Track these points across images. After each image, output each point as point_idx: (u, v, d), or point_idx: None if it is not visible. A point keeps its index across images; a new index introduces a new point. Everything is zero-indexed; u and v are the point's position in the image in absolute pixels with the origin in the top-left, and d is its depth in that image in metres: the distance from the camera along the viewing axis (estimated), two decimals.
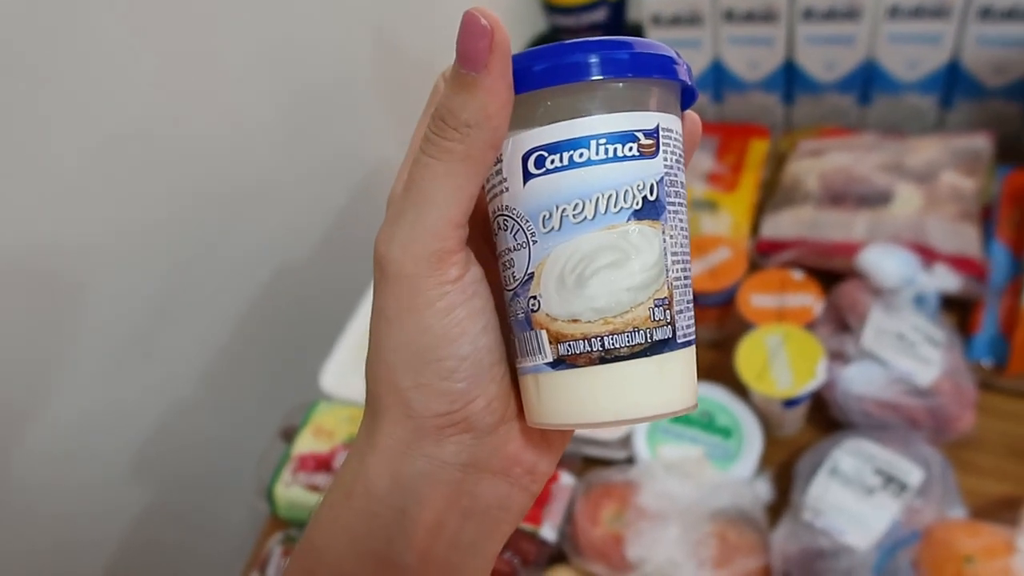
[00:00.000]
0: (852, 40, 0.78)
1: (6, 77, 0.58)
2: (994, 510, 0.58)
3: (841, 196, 0.73)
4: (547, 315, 0.24)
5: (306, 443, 0.66)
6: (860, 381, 0.60)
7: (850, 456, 0.57)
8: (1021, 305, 0.62)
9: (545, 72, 0.23)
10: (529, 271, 0.24)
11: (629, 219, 0.24)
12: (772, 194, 0.80)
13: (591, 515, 0.59)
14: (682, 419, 0.64)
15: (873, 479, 0.55)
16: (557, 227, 0.24)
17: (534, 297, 0.24)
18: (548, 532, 0.59)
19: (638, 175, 0.24)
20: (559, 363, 0.24)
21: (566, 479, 0.62)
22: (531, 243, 0.24)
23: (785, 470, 0.64)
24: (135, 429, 0.75)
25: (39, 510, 0.67)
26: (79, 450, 0.69)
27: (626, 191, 0.24)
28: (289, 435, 0.69)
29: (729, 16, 0.81)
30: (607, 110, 0.24)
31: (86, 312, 0.68)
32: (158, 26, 0.69)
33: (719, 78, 0.88)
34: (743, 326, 0.65)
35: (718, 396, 0.64)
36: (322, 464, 0.65)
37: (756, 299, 0.66)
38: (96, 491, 0.72)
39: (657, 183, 0.24)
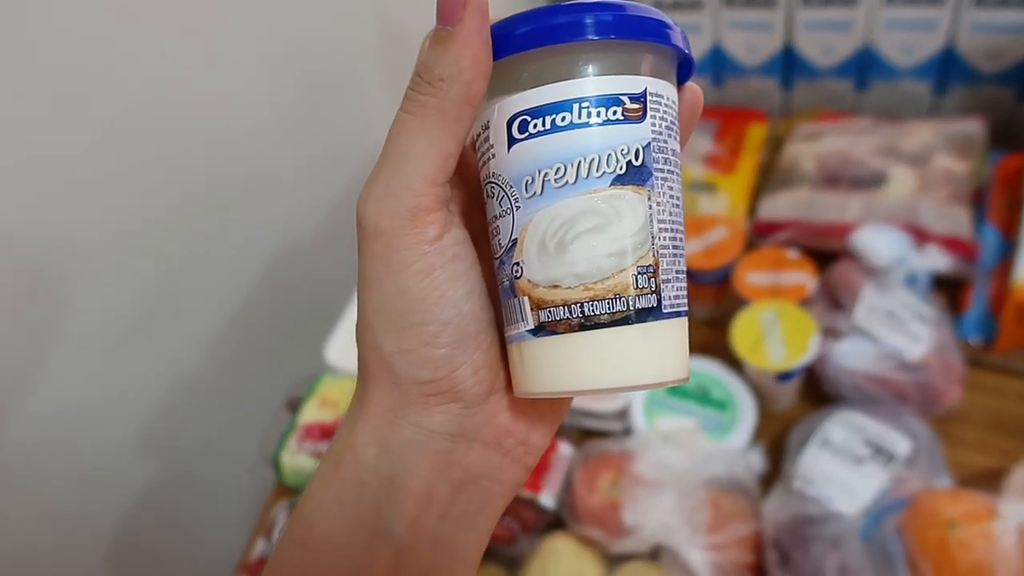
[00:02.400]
0: (850, 25, 0.80)
1: (4, 68, 0.58)
2: (978, 480, 0.60)
3: (836, 178, 0.75)
4: (529, 281, 0.24)
5: (312, 413, 0.68)
6: (851, 356, 0.62)
7: (840, 428, 0.59)
8: (1010, 285, 0.63)
9: (527, 35, 0.23)
10: (513, 237, 0.24)
11: (612, 184, 0.23)
12: (769, 176, 0.82)
13: (588, 483, 0.61)
14: (677, 392, 0.66)
15: (862, 449, 0.57)
16: (539, 192, 0.23)
17: (517, 264, 0.24)
18: (547, 499, 0.61)
19: (623, 139, 0.23)
20: (540, 330, 0.24)
21: (564, 449, 0.64)
22: (515, 209, 0.24)
23: (778, 443, 0.66)
24: (144, 401, 0.77)
25: (50, 475, 0.69)
26: (89, 418, 0.71)
27: (609, 155, 0.23)
28: (295, 406, 0.71)
29: (729, 1, 0.83)
30: (591, 73, 0.23)
31: (94, 290, 0.69)
32: (158, 15, 0.70)
33: (719, 62, 0.89)
34: (738, 304, 0.67)
35: (713, 371, 0.66)
36: (327, 433, 0.66)
37: (751, 276, 0.67)
38: (106, 458, 0.73)
39: (643, 148, 0.24)
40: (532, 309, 0.24)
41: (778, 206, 0.76)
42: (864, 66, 0.83)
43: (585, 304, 0.23)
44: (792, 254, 0.68)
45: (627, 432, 0.66)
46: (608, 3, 0.23)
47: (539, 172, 0.23)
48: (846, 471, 0.56)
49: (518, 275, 0.24)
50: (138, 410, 0.76)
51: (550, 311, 0.24)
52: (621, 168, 0.23)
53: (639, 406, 0.65)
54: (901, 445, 0.57)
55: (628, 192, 0.23)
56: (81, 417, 0.70)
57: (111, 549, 0.77)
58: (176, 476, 0.81)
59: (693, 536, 0.56)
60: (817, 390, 0.66)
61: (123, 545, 0.78)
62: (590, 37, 0.23)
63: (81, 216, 0.67)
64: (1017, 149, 0.79)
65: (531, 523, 0.61)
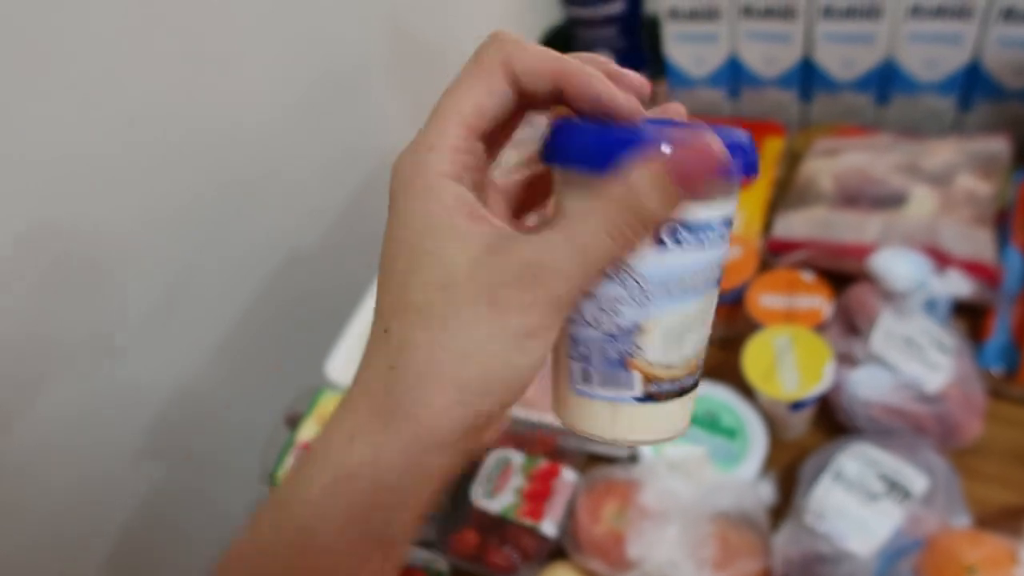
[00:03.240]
0: (871, 39, 0.77)
1: (31, 64, 0.58)
2: (998, 519, 0.58)
3: (855, 197, 0.72)
4: (647, 361, 0.28)
5: (310, 431, 0.67)
6: (867, 385, 0.60)
7: (854, 461, 0.57)
8: None
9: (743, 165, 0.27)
10: (637, 323, 0.27)
11: (713, 287, 0.28)
12: (785, 193, 0.79)
13: (592, 512, 0.59)
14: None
15: (877, 485, 0.55)
16: (673, 293, 0.27)
17: (637, 346, 0.28)
18: (548, 528, 0.59)
19: (724, 252, 0.28)
20: (647, 399, 0.28)
21: (568, 475, 0.62)
22: (645, 301, 0.27)
23: (789, 473, 0.64)
24: (143, 411, 0.76)
25: (51, 478, 0.68)
26: (88, 428, 0.70)
27: (719, 265, 0.28)
28: (294, 422, 0.70)
29: (747, 11, 0.80)
30: (727, 197, 0.27)
31: (98, 297, 0.68)
32: (174, 15, 0.69)
33: (735, 73, 0.87)
34: (751, 325, 0.65)
35: (724, 396, 0.64)
36: None
37: (765, 299, 0.65)
38: (105, 464, 0.73)
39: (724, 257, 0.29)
40: (643, 382, 0.28)
41: (794, 224, 0.74)
42: (885, 80, 0.81)
43: (683, 379, 0.29)
44: (808, 276, 0.66)
45: (633, 459, 0.64)
46: (741, 140, 0.27)
47: (678, 278, 0.27)
48: (860, 507, 0.54)
49: (633, 354, 0.28)
50: (140, 416, 0.75)
51: (659, 385, 0.28)
52: (718, 276, 0.29)
53: None
54: (918, 482, 0.55)
55: (715, 292, 0.29)
56: (82, 421, 0.69)
57: (109, 554, 0.76)
58: (173, 490, 0.80)
59: (699, 572, 0.54)
60: (831, 418, 0.64)
61: (121, 552, 0.77)
62: (743, 176, 0.27)
63: (84, 220, 0.66)
64: None
65: (532, 552, 0.59)
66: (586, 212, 0.25)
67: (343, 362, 0.73)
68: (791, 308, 0.64)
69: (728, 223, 0.28)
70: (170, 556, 0.81)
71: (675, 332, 0.28)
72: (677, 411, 0.29)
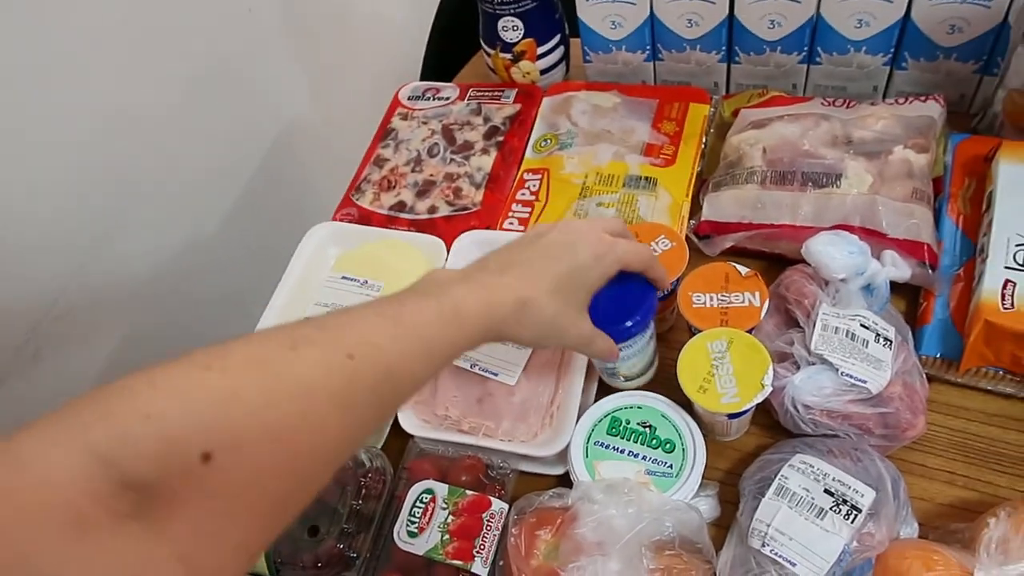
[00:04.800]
0: None
1: None
2: (946, 517, 0.56)
3: (787, 174, 0.68)
4: (623, 374, 0.63)
5: None
6: (808, 390, 0.56)
7: (799, 475, 0.53)
8: (977, 302, 0.58)
9: None
10: (615, 366, 0.62)
11: (650, 340, 0.62)
12: (713, 168, 0.74)
13: (526, 546, 0.55)
14: (621, 432, 0.59)
15: (823, 499, 0.52)
16: (627, 355, 0.60)
17: (619, 369, 0.62)
18: (479, 568, 0.55)
19: (652, 331, 0.62)
20: (626, 380, 0.63)
21: (497, 505, 0.57)
22: (619, 361, 0.60)
23: (731, 476, 0.60)
24: None
25: None
26: None
27: (650, 335, 0.62)
28: None
29: None
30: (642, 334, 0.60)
31: None
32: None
33: (655, 36, 0.80)
34: (684, 321, 0.61)
35: (659, 405, 0.60)
36: None
37: (698, 298, 0.60)
38: None
39: None
40: (624, 379, 0.63)
41: (724, 205, 0.69)
42: (814, 39, 0.75)
43: (645, 372, 0.64)
44: (742, 270, 0.61)
45: (566, 475, 0.60)
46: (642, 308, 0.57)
47: (628, 353, 0.60)
48: (806, 527, 0.51)
49: (616, 370, 0.63)
50: None
51: (631, 380, 0.63)
52: (651, 334, 0.61)
53: (579, 449, 0.59)
54: (865, 496, 0.51)
55: (650, 337, 0.62)
56: None
57: None
58: None
59: None
60: (771, 416, 0.61)
61: None
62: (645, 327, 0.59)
63: None
64: (976, 131, 0.73)
65: None
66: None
67: None
68: (726, 307, 0.60)
69: (648, 328, 0.59)
70: None
71: (633, 363, 0.59)
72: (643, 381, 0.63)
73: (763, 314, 0.59)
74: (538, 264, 0.50)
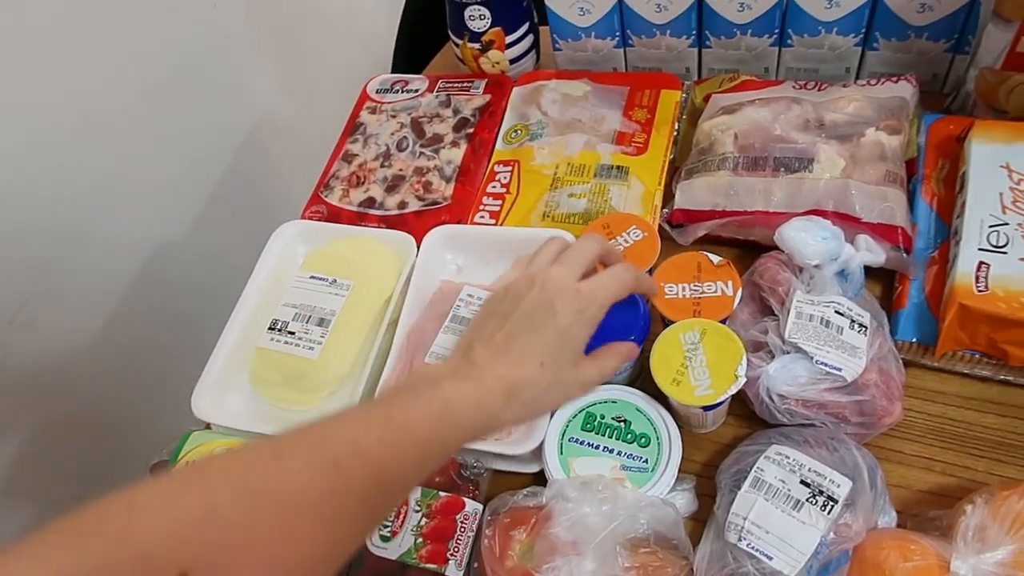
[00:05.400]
0: None
1: None
2: (924, 504, 0.55)
3: (759, 160, 0.66)
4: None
5: None
6: (782, 379, 0.55)
7: (775, 466, 0.52)
8: (952, 285, 0.57)
9: None
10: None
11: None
12: (685, 155, 0.73)
13: (500, 548, 0.54)
14: (596, 427, 0.58)
15: (800, 491, 0.51)
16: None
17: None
18: (453, 571, 0.54)
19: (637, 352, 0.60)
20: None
21: (471, 507, 0.56)
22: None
23: (709, 469, 0.60)
24: None
25: None
26: None
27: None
28: (160, 471, 0.61)
29: None
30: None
31: None
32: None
33: (625, 21, 0.79)
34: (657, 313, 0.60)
35: (634, 399, 0.59)
36: None
37: (670, 289, 0.59)
38: None
39: None
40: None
41: (696, 193, 0.68)
42: (784, 21, 0.74)
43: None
44: (715, 259, 0.60)
45: (541, 474, 0.59)
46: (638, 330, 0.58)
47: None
48: (783, 518, 0.50)
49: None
50: None
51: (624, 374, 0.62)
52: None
53: (553, 445, 0.58)
54: (842, 486, 0.51)
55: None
56: None
57: None
58: None
59: None
60: (747, 406, 0.60)
61: None
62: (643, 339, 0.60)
63: None
64: (949, 110, 0.72)
65: None
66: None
67: (210, 392, 0.65)
68: (699, 297, 0.59)
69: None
70: None
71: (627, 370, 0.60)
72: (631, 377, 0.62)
73: (736, 304, 0.58)
74: (522, 339, 0.48)
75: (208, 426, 0.64)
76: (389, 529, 0.56)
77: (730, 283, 0.59)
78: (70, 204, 0.77)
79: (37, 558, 0.30)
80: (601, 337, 0.52)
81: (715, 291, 0.59)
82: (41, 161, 0.73)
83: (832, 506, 0.50)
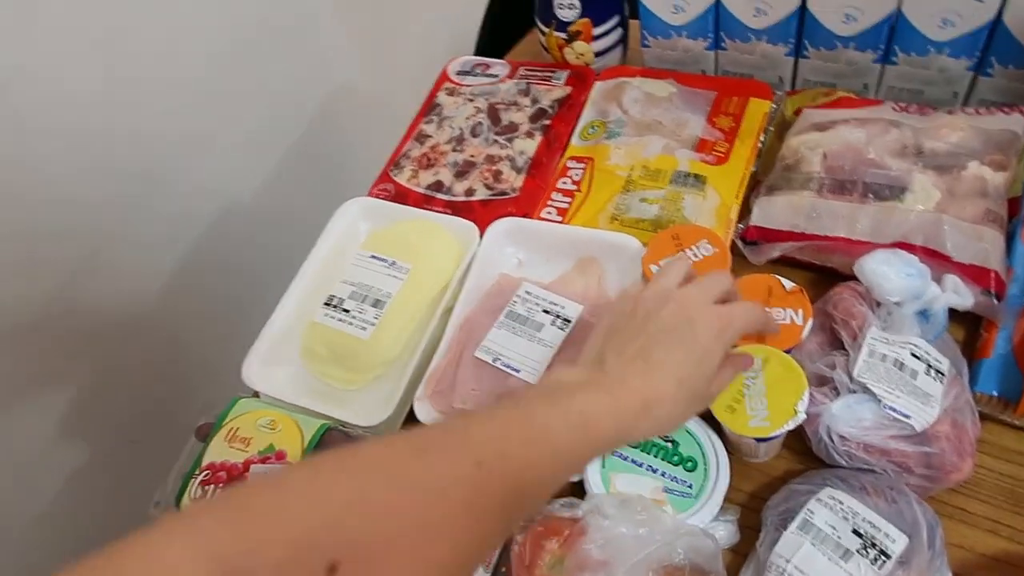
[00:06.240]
0: None
1: None
2: (985, 570, 0.52)
3: (848, 183, 0.63)
4: None
5: (218, 451, 0.59)
6: (845, 420, 0.52)
7: (826, 510, 0.50)
8: None
9: None
10: None
11: None
12: (768, 170, 0.69)
13: (530, 556, 0.52)
14: (644, 445, 0.56)
15: (851, 540, 0.48)
16: None
17: None
18: (481, 574, 0.53)
19: None
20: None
21: None
22: None
23: (755, 500, 0.57)
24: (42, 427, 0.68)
25: None
26: None
27: None
28: (204, 434, 0.62)
29: None
30: None
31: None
32: None
33: (720, 23, 0.76)
34: None
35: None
36: (234, 478, 0.57)
37: None
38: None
39: None
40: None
41: (775, 211, 0.65)
42: (891, 37, 0.70)
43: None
44: (787, 284, 0.57)
45: (580, 484, 0.57)
46: None
47: None
48: (829, 568, 0.48)
49: None
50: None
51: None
52: None
53: (596, 461, 0.56)
54: (898, 540, 0.48)
55: None
56: None
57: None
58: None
59: None
60: (806, 441, 0.57)
61: None
62: None
63: None
64: None
65: None
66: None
67: (261, 360, 0.65)
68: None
69: None
70: None
71: None
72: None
73: (804, 334, 0.55)
74: (658, 354, 0.47)
75: (256, 394, 0.65)
76: None
77: (801, 312, 0.56)
78: (148, 148, 0.78)
79: (188, 542, 0.30)
80: None
81: (784, 319, 0.56)
82: (124, 100, 0.74)
83: (884, 562, 0.47)
